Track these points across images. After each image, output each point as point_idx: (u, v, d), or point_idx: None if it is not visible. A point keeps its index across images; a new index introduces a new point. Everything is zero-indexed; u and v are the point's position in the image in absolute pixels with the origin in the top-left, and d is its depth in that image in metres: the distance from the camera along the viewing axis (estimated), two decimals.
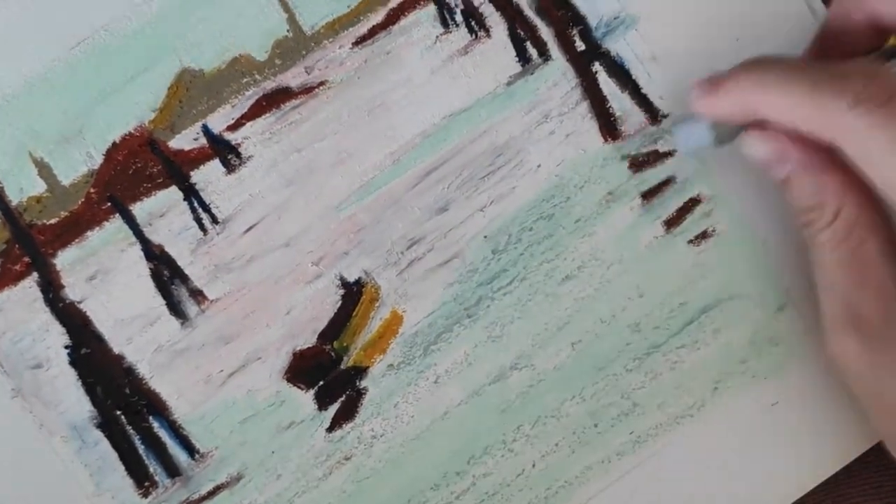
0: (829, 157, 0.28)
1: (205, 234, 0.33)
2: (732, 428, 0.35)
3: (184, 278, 0.33)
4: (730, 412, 0.35)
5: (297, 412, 0.33)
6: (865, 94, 0.26)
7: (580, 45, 0.35)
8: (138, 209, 0.33)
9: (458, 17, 0.34)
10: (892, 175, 0.26)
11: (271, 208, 0.33)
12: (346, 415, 0.34)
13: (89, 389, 0.33)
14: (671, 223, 0.35)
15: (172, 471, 0.33)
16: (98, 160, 0.33)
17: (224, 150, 0.33)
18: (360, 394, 0.34)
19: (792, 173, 0.30)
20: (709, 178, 0.35)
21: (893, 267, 0.29)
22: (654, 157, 0.35)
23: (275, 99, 0.33)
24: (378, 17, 0.34)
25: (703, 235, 0.35)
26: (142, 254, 0.33)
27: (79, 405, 0.33)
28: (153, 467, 0.33)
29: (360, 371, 0.34)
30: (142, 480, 0.33)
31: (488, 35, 0.34)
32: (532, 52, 0.34)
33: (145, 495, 0.33)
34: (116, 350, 0.33)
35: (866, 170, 0.27)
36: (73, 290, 0.33)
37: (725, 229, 0.35)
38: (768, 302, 0.35)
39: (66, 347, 0.33)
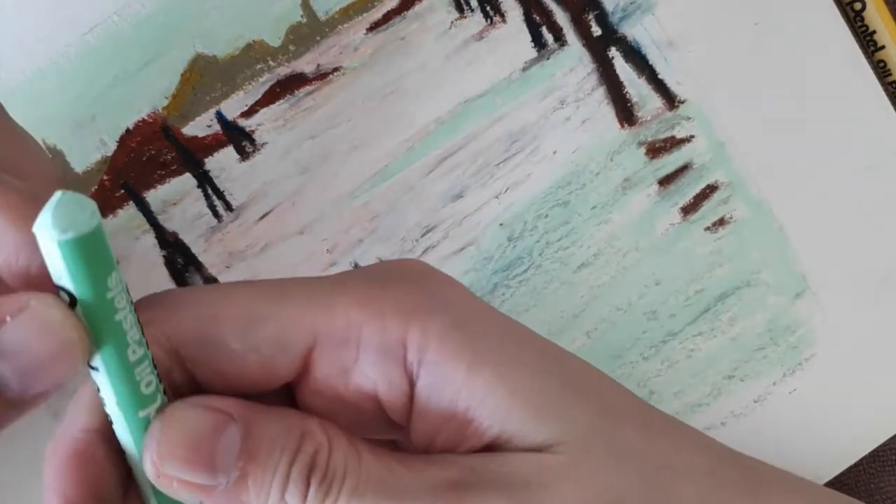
0: None
1: (219, 222, 0.33)
2: (749, 417, 0.35)
3: (198, 266, 0.33)
4: (747, 401, 0.35)
5: None
6: None
7: (596, 31, 0.34)
8: (152, 196, 0.33)
9: (473, 2, 0.34)
10: None
11: (285, 195, 0.33)
12: None
13: None
14: (688, 210, 0.35)
15: None
16: (111, 147, 0.32)
17: (238, 137, 0.33)
18: None
19: None
20: (726, 164, 0.35)
21: None
22: (671, 144, 0.35)
23: (289, 85, 0.33)
24: (392, 2, 0.33)
25: (721, 222, 0.35)
26: (156, 241, 0.33)
27: None
28: None
29: None
30: None
31: (503, 20, 0.34)
32: (548, 37, 0.34)
33: None
34: None
35: None
36: None
37: (742, 216, 0.35)
38: (786, 289, 0.35)
39: None
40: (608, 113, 0.34)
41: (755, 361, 0.35)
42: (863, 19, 0.36)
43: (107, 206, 0.32)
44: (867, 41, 0.36)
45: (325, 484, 0.20)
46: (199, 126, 0.33)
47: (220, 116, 0.33)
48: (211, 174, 0.33)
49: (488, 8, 0.34)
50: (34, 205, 0.18)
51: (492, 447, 0.22)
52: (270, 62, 0.33)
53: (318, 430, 0.21)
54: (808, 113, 0.35)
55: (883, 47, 0.36)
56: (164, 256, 0.33)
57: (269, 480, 0.20)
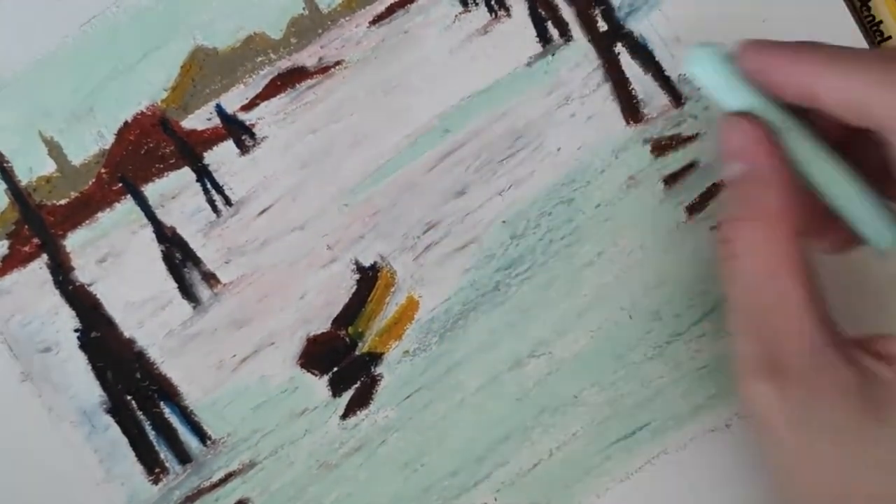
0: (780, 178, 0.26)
1: (218, 217, 0.32)
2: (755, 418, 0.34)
3: (196, 261, 0.32)
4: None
5: (310, 398, 0.33)
6: None
7: (602, 26, 0.34)
8: (150, 190, 0.32)
9: None
10: None
11: (285, 190, 0.33)
12: (361, 401, 0.33)
13: (99, 374, 0.32)
14: (693, 209, 0.34)
15: (183, 457, 0.32)
16: (109, 139, 0.32)
17: (238, 131, 0.32)
18: (374, 380, 0.33)
19: (738, 177, 0.27)
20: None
21: (816, 314, 0.26)
22: (677, 141, 0.34)
23: (290, 78, 0.33)
24: None
25: None
26: (153, 236, 0.32)
27: (88, 390, 0.32)
28: (164, 454, 0.32)
29: (375, 357, 0.33)
30: (152, 467, 0.32)
31: (508, 14, 0.33)
32: (553, 32, 0.34)
33: (156, 482, 0.32)
34: (127, 334, 0.32)
35: None
36: (84, 272, 0.32)
37: None
38: None
39: (76, 331, 0.32)
40: (613, 110, 0.34)
41: None
42: (869, 10, 0.36)
43: (104, 199, 0.32)
44: (874, 32, 0.36)
45: None
46: (199, 119, 0.32)
47: (219, 110, 0.32)
48: (210, 168, 0.32)
49: (493, 2, 0.33)
50: None
51: None
52: (271, 55, 0.32)
53: None
54: None
55: (889, 38, 0.36)
56: (162, 251, 0.32)
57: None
